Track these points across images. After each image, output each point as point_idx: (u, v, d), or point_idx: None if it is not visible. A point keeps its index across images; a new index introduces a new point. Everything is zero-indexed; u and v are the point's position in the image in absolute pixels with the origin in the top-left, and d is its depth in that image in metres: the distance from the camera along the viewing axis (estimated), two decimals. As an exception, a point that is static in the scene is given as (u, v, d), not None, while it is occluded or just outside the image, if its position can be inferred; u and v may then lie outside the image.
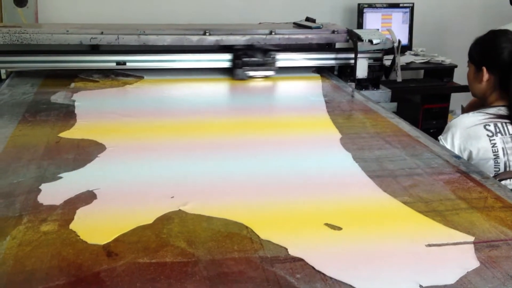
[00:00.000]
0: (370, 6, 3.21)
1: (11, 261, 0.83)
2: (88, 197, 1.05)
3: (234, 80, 2.06)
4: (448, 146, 1.61)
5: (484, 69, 1.72)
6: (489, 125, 1.64)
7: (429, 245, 0.91)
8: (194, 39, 2.06)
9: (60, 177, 1.14)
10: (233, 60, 2.06)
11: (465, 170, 1.23)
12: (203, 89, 2.01)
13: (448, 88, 3.14)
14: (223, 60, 2.09)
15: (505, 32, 1.73)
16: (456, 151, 1.62)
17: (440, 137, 1.68)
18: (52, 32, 1.96)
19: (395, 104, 2.08)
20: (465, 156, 1.63)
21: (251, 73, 2.05)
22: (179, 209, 1.01)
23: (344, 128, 1.53)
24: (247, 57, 2.05)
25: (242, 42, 2.10)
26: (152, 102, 1.80)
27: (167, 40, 2.04)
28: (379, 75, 2.13)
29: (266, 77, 2.07)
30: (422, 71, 3.32)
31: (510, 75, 1.68)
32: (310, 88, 2.03)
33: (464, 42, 2.09)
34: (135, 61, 2.04)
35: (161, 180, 1.15)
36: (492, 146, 1.61)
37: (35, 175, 1.15)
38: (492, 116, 1.66)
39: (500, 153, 1.61)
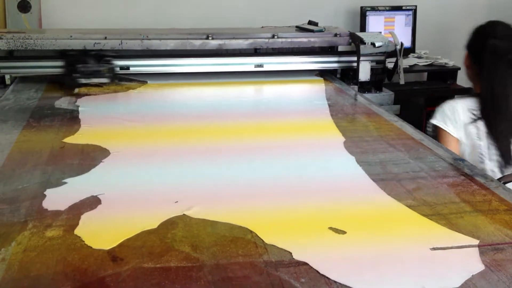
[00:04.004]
0: (373, 9, 3.21)
1: (16, 267, 0.83)
2: (92, 202, 1.05)
3: (237, 84, 2.07)
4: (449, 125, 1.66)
5: (467, 53, 1.76)
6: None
7: (434, 249, 0.90)
8: (197, 43, 2.07)
9: (65, 183, 1.14)
10: (65, 67, 1.96)
11: (469, 173, 1.23)
12: (206, 93, 2.02)
13: (452, 91, 3.13)
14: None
15: (499, 24, 1.73)
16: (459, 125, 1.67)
17: (431, 120, 1.71)
18: (55, 38, 1.97)
19: (398, 107, 2.08)
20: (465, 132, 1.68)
21: (83, 81, 1.93)
22: (183, 214, 1.01)
23: (348, 131, 1.53)
24: (81, 64, 1.94)
25: (244, 46, 2.11)
26: (156, 107, 1.80)
27: (170, 44, 2.05)
28: (381, 78, 2.13)
29: (101, 84, 1.96)
30: (425, 74, 3.32)
31: (483, 65, 1.69)
32: (313, 92, 2.03)
33: (467, 45, 2.09)
34: (138, 65, 2.05)
35: (165, 185, 1.16)
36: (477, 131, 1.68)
37: (40, 180, 1.15)
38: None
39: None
